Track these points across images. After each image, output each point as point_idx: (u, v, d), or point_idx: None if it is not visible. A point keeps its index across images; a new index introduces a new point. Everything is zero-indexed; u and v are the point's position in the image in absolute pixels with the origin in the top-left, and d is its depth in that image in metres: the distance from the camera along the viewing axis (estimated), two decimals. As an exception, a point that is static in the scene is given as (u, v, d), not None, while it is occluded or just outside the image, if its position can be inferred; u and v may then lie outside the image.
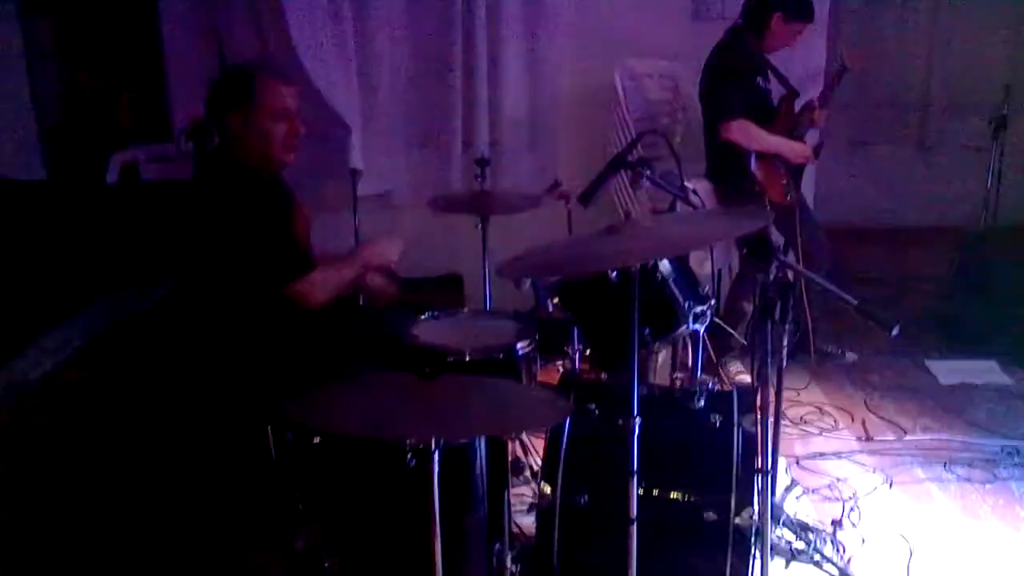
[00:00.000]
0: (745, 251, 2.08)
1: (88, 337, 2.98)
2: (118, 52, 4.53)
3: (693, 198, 2.52)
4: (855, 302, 2.02)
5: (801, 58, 4.14)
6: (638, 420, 2.07)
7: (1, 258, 3.45)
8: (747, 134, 3.68)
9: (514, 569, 2.18)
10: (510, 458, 2.85)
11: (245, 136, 2.58)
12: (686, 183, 2.58)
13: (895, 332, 1.98)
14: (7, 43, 4.35)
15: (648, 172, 2.34)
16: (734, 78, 3.72)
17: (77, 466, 2.86)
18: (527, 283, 2.84)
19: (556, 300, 2.73)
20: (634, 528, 2.10)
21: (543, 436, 2.64)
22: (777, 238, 2.21)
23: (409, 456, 1.99)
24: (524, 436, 3.06)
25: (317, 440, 2.14)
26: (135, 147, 4.30)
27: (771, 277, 2.10)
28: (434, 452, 1.89)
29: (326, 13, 4.13)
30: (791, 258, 2.20)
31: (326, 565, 2.09)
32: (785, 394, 2.32)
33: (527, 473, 3.10)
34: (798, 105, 3.88)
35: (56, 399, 2.83)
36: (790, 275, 2.17)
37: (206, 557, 2.68)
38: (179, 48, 4.27)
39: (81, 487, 2.84)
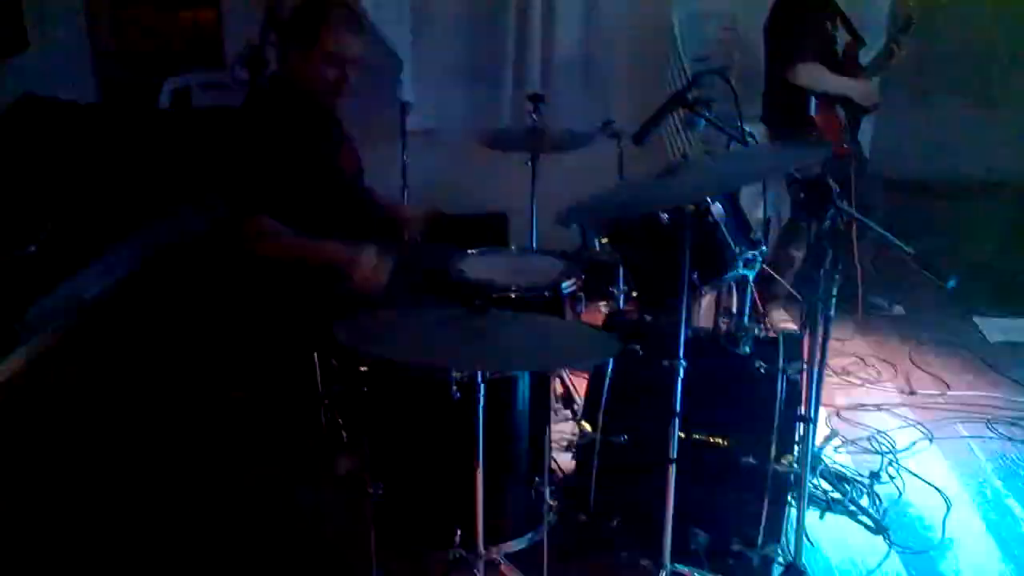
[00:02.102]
0: (801, 196, 2.04)
1: (141, 259, 3.03)
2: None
3: (750, 140, 2.47)
4: (912, 252, 1.98)
5: (863, 9, 4.01)
6: (683, 363, 2.07)
7: (55, 180, 3.51)
8: (815, 77, 3.59)
9: (552, 503, 2.21)
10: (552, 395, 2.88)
11: (299, 71, 2.61)
12: (743, 126, 2.53)
13: (951, 285, 1.95)
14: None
15: (707, 112, 2.29)
16: (806, 20, 3.63)
17: (127, 381, 2.95)
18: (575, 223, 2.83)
19: (604, 240, 2.72)
20: (672, 469, 2.11)
21: (585, 375, 2.65)
22: (833, 184, 2.16)
23: (454, 389, 2.02)
24: (566, 374, 3.08)
25: (364, 368, 2.17)
26: (188, 73, 4.32)
27: (825, 224, 2.07)
28: (479, 385, 1.91)
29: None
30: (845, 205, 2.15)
31: (370, 491, 2.13)
32: (830, 344, 2.30)
33: (567, 411, 3.12)
34: (863, 55, 3.78)
35: (110, 318, 2.90)
36: (843, 224, 2.14)
37: (249, 480, 2.76)
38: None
39: (130, 403, 2.93)
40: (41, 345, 2.58)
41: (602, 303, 3.55)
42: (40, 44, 4.23)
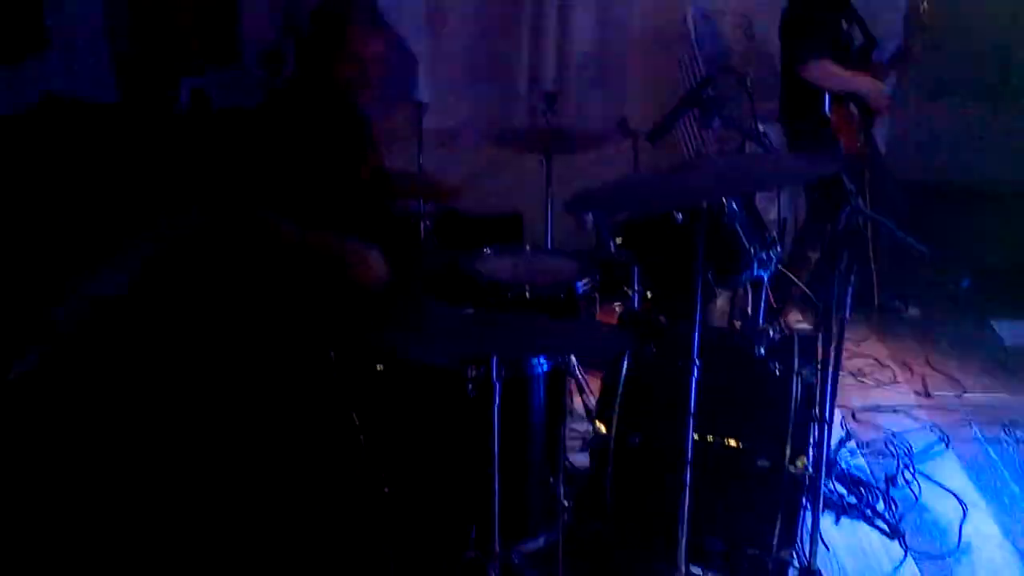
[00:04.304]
0: (817, 195, 2.04)
1: (155, 255, 3.05)
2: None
3: (763, 140, 2.47)
4: (926, 251, 1.97)
5: (879, 11, 3.99)
6: (698, 363, 2.06)
7: (72, 178, 3.53)
8: (827, 73, 3.58)
9: (567, 504, 2.21)
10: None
11: (321, 71, 2.60)
12: (757, 125, 2.52)
13: (965, 284, 1.94)
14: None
15: (722, 111, 2.29)
16: (818, 16, 3.62)
17: (141, 380, 2.96)
18: (590, 221, 2.83)
19: (619, 240, 2.72)
20: (688, 471, 2.11)
21: (599, 375, 2.65)
22: (849, 184, 2.16)
23: (470, 386, 2.02)
24: (580, 374, 3.08)
25: (380, 367, 2.18)
26: (206, 73, 4.33)
27: (841, 224, 2.06)
28: (495, 382, 1.91)
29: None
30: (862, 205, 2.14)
31: (385, 491, 2.14)
32: (845, 345, 2.29)
33: (582, 411, 3.12)
34: (876, 56, 3.77)
35: (126, 316, 2.91)
36: (859, 225, 2.13)
37: (263, 480, 2.76)
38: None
39: (143, 401, 2.94)
40: (57, 343, 2.59)
41: (616, 304, 3.55)
42: (60, 43, 4.27)
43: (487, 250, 2.92)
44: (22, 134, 3.75)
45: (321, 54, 2.59)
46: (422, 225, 3.56)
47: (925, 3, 3.73)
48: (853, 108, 3.69)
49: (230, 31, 4.40)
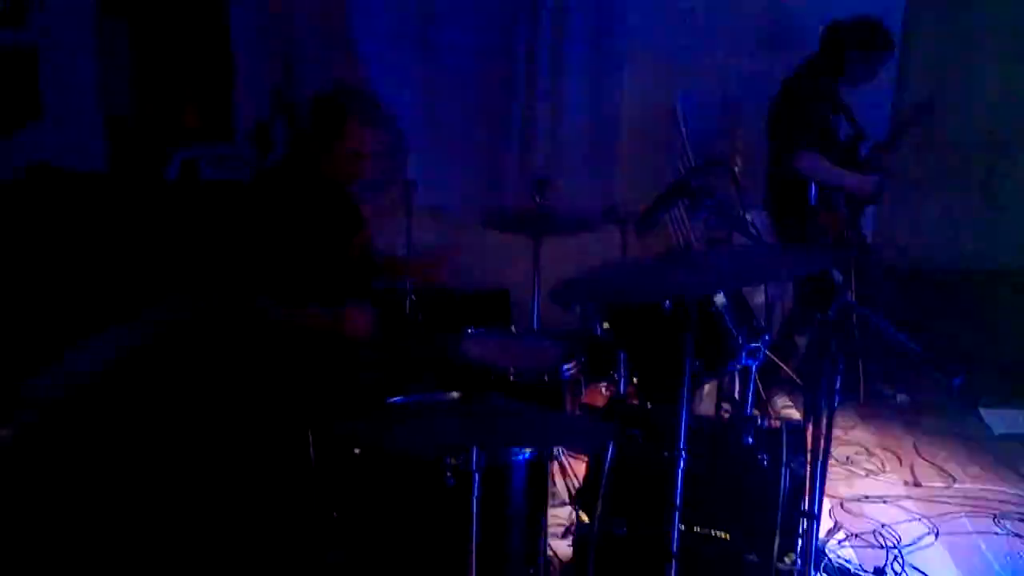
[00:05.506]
0: (805, 284, 2.04)
1: (140, 336, 3.02)
2: (189, 55, 4.61)
3: (751, 231, 2.48)
4: (918, 350, 1.96)
5: (867, 104, 4.06)
6: (684, 455, 2.03)
7: (59, 249, 3.52)
8: (815, 165, 3.63)
9: (548, 595, 2.15)
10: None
11: (317, 161, 2.62)
12: (744, 215, 2.54)
13: (958, 383, 1.92)
14: (82, 37, 4.46)
15: (709, 201, 2.30)
16: (808, 108, 3.67)
17: (120, 460, 2.90)
18: (577, 305, 2.82)
19: (606, 325, 2.71)
20: (673, 564, 2.06)
21: (583, 459, 2.61)
22: (837, 277, 2.16)
23: (448, 475, 1.97)
24: (564, 458, 3.03)
25: (357, 451, 2.13)
26: (197, 146, 4.37)
27: (831, 316, 2.05)
28: (475, 472, 1.87)
29: (391, 26, 4.19)
30: (850, 298, 2.14)
31: (360, 579, 2.08)
32: (832, 433, 2.26)
33: (564, 495, 3.06)
34: (863, 148, 3.82)
35: (109, 395, 2.87)
36: (847, 316, 2.13)
37: (237, 561, 2.69)
38: (248, 54, 4.34)
39: (121, 482, 2.87)
40: (32, 421, 2.54)
41: (603, 384, 3.51)
42: (53, 113, 4.30)
43: (471, 330, 2.90)
44: (9, 202, 3.75)
45: (319, 146, 2.60)
46: (407, 302, 3.54)
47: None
48: (840, 198, 3.73)
49: (224, 107, 4.45)
